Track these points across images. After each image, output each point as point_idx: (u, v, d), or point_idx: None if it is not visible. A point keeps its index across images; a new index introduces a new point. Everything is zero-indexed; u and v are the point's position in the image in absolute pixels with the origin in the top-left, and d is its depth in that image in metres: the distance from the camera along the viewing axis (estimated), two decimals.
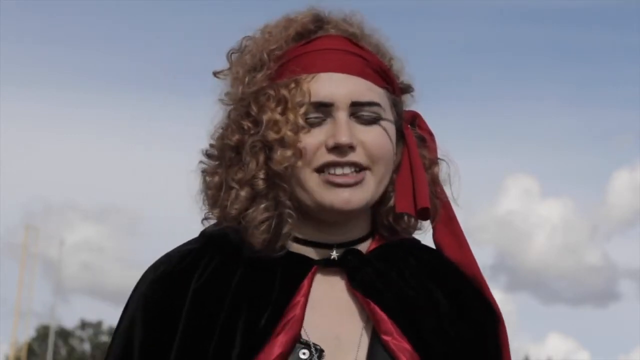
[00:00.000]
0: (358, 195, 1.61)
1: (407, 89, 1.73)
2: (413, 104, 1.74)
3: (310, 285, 1.62)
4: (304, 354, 1.57)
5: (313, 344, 1.58)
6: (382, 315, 1.60)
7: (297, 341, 1.58)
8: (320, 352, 1.57)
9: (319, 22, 1.68)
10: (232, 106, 1.66)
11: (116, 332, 1.67)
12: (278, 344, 1.56)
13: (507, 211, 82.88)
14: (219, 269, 1.63)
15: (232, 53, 1.70)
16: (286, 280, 1.61)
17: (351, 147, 1.60)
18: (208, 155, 1.68)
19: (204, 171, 1.68)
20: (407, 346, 1.59)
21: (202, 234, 1.70)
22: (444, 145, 1.74)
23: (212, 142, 1.68)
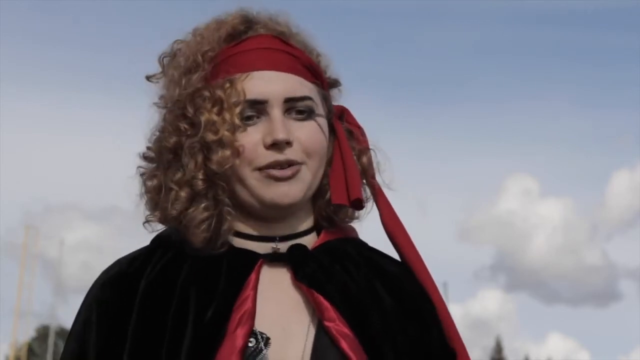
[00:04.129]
0: (295, 188, 1.65)
1: (334, 84, 1.78)
2: (340, 98, 1.79)
3: (257, 279, 1.65)
4: (250, 342, 1.60)
5: (259, 332, 1.61)
6: (326, 303, 1.63)
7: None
8: (267, 339, 1.61)
9: (248, 22, 1.72)
10: (166, 109, 1.69)
11: (69, 337, 1.70)
12: (238, 337, 1.59)
13: (507, 211, 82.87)
14: (167, 265, 1.66)
15: (164, 57, 1.73)
16: (232, 273, 1.65)
17: (288, 143, 1.64)
18: (145, 158, 1.71)
19: (142, 174, 1.70)
20: (347, 331, 1.62)
21: (153, 239, 1.74)
22: (371, 136, 1.78)
23: (149, 145, 1.70)
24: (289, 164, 1.64)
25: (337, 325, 1.62)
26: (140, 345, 1.60)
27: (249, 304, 1.62)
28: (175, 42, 1.73)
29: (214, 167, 1.63)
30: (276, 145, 1.63)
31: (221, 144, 1.63)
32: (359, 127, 1.78)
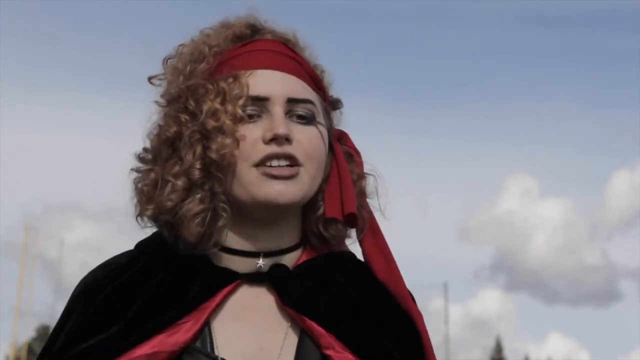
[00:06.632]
0: (292, 189, 1.62)
1: (336, 104, 1.78)
2: (340, 122, 1.78)
3: (225, 296, 1.63)
4: None
5: (221, 358, 1.58)
6: (320, 329, 1.61)
7: (193, 345, 1.59)
8: None
9: (255, 28, 1.73)
10: (168, 103, 1.68)
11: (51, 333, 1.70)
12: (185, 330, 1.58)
13: (507, 211, 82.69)
14: (141, 271, 1.65)
15: (168, 59, 1.73)
16: (203, 290, 1.62)
17: (288, 140, 1.62)
18: (141, 159, 1.69)
19: (138, 171, 1.68)
20: (350, 356, 1.60)
21: (137, 245, 1.72)
22: (371, 161, 1.77)
23: (147, 142, 1.69)
24: (287, 157, 1.63)
25: (338, 352, 1.60)
26: (73, 337, 1.61)
27: (204, 314, 1.61)
28: (180, 45, 1.74)
29: (212, 155, 1.61)
30: (276, 140, 1.62)
31: (222, 130, 1.61)
32: (357, 152, 1.77)
